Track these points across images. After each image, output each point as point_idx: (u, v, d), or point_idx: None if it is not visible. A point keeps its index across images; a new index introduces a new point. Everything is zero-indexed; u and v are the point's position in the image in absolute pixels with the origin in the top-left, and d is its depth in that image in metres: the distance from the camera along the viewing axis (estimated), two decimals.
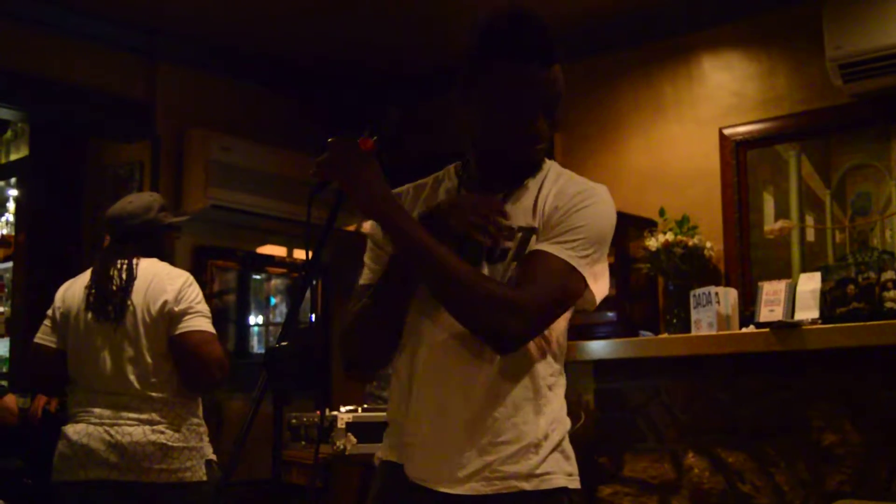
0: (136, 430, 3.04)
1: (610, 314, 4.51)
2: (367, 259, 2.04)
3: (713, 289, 4.14)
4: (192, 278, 3.26)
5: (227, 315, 5.39)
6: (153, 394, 3.10)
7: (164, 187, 5.09)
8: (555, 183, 2.00)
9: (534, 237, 1.90)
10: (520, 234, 1.90)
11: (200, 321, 3.18)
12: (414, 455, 1.89)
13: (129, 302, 3.15)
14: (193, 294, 3.22)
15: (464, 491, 1.83)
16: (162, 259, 3.35)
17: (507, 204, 1.94)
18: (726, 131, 4.54)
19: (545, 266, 1.84)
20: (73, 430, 3.09)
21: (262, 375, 1.73)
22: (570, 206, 1.93)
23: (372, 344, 1.94)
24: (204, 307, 3.22)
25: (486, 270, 1.87)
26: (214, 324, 5.07)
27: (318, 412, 3.68)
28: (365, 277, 2.02)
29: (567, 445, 2.02)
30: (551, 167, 2.06)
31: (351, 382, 5.26)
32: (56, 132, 5.47)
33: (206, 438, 3.22)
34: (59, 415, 3.73)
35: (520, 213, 1.94)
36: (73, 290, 3.28)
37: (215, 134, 5.06)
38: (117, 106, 5.03)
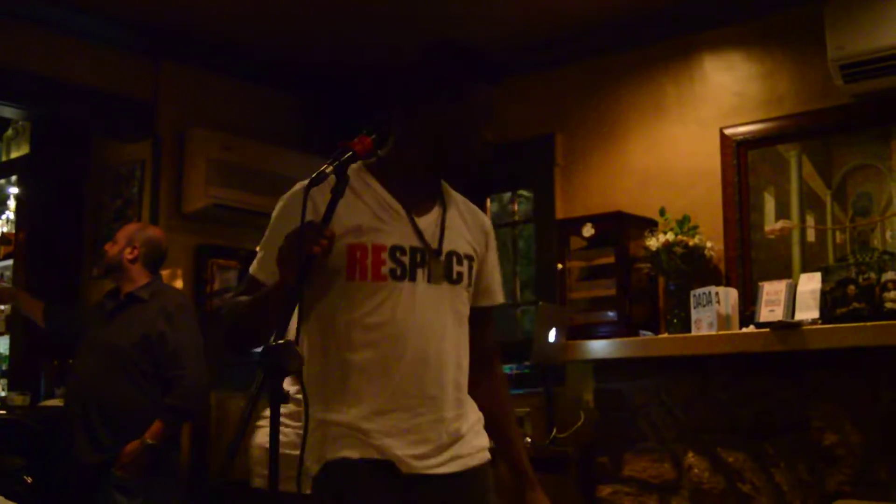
0: None
1: (610, 314, 4.51)
2: (264, 254, 2.12)
3: (713, 289, 4.14)
4: None
5: None
6: None
7: (165, 186, 5.09)
8: (462, 203, 2.31)
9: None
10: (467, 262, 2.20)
11: None
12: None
13: None
14: None
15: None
16: None
17: (420, 218, 2.15)
18: (727, 131, 4.54)
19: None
20: None
21: (259, 373, 1.73)
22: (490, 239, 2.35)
23: (261, 339, 1.95)
24: None
25: (446, 288, 2.14)
26: (216, 322, 5.09)
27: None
28: (263, 272, 2.10)
29: None
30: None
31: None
32: (57, 130, 5.47)
33: None
34: None
35: (431, 226, 2.16)
36: None
37: (217, 133, 5.06)
38: (119, 104, 5.03)
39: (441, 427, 2.10)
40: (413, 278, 2.09)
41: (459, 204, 2.28)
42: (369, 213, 2.11)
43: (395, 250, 2.08)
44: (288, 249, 1.91)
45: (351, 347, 2.06)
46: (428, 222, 2.16)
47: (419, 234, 2.12)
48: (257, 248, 2.15)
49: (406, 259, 2.09)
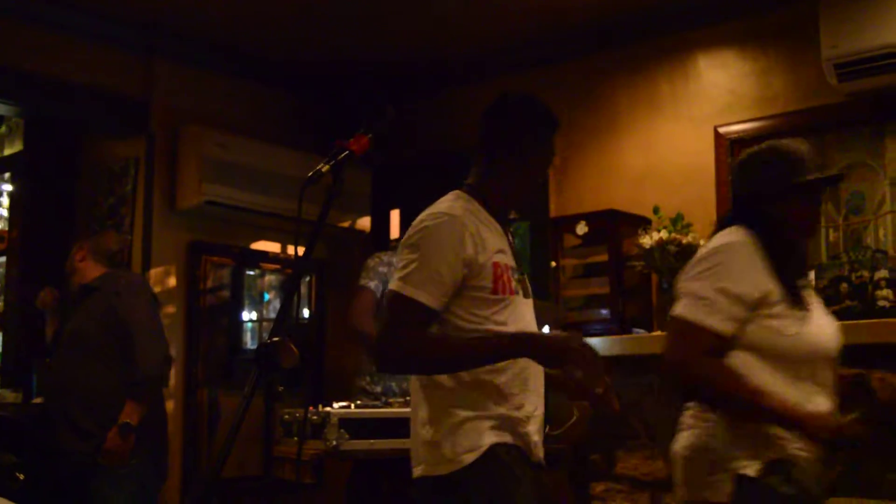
0: None
1: (603, 311, 4.52)
2: (429, 278, 2.31)
3: None
4: None
5: (221, 311, 5.39)
6: None
7: (158, 183, 5.08)
8: None
9: None
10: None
11: None
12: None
13: None
14: None
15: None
16: None
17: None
18: (721, 129, 4.54)
19: None
20: None
21: (253, 371, 1.73)
22: None
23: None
24: None
25: (529, 301, 2.53)
26: (209, 319, 5.13)
27: (309, 407, 3.66)
28: (432, 300, 2.31)
29: None
30: None
31: (346, 378, 5.26)
32: (51, 128, 5.46)
33: None
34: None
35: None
36: None
37: (210, 130, 5.05)
38: (112, 102, 5.02)
39: (541, 421, 2.48)
40: (523, 294, 2.49)
41: None
42: (497, 236, 2.44)
43: (513, 270, 2.45)
44: (587, 364, 2.24)
45: None
46: None
47: (515, 256, 2.50)
48: (405, 266, 2.33)
49: (516, 277, 2.46)
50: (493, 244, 2.41)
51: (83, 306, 4.12)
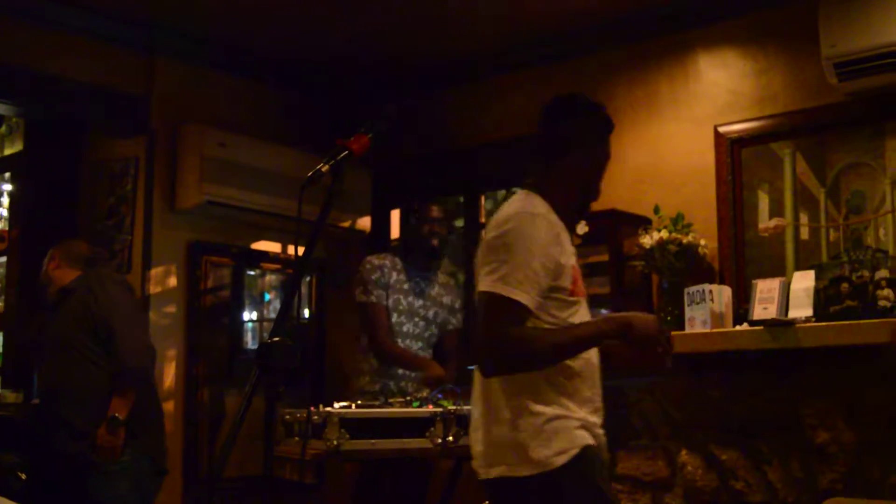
0: None
1: (603, 311, 4.50)
2: (524, 278, 2.33)
3: (707, 286, 4.14)
4: None
5: (222, 311, 5.39)
6: None
7: (158, 183, 5.08)
8: None
9: None
10: None
11: None
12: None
13: None
14: None
15: None
16: None
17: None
18: (721, 129, 4.54)
19: None
20: None
21: (253, 371, 1.73)
22: None
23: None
24: None
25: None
26: (210, 319, 5.14)
27: (310, 407, 3.66)
28: (528, 299, 2.34)
29: None
30: None
31: (343, 379, 5.27)
32: (51, 127, 5.46)
33: None
34: None
35: None
36: None
37: (210, 129, 5.05)
38: (113, 101, 5.02)
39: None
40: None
41: None
42: (568, 238, 2.51)
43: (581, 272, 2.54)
44: (649, 343, 2.42)
45: None
46: None
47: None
48: (498, 266, 2.35)
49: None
50: (569, 246, 2.49)
51: (62, 310, 4.18)
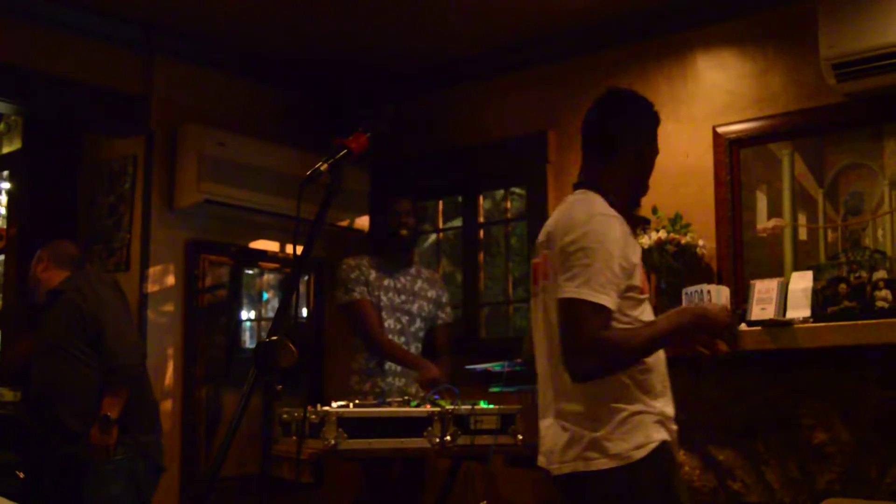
0: None
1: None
2: (606, 281, 2.38)
3: (705, 287, 4.14)
4: None
5: (220, 310, 5.39)
6: None
7: (157, 182, 5.08)
8: None
9: None
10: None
11: None
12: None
13: None
14: None
15: None
16: None
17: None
18: (720, 129, 4.54)
19: None
20: None
21: (251, 370, 1.73)
22: None
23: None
24: None
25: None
26: (208, 318, 5.13)
27: (308, 406, 3.66)
28: (611, 302, 2.39)
29: None
30: None
31: (340, 378, 5.28)
32: (50, 125, 5.45)
33: None
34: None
35: None
36: None
37: (209, 129, 5.05)
38: (112, 100, 5.02)
39: None
40: None
41: None
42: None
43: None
44: (723, 330, 2.53)
45: None
46: None
47: None
48: (581, 271, 2.39)
49: None
50: (637, 245, 2.55)
51: (51, 312, 4.18)
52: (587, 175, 2.63)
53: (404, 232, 4.55)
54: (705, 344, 2.58)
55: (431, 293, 4.65)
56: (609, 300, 2.37)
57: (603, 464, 2.40)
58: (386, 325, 4.47)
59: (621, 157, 2.62)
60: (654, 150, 2.72)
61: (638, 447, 2.42)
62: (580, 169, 2.67)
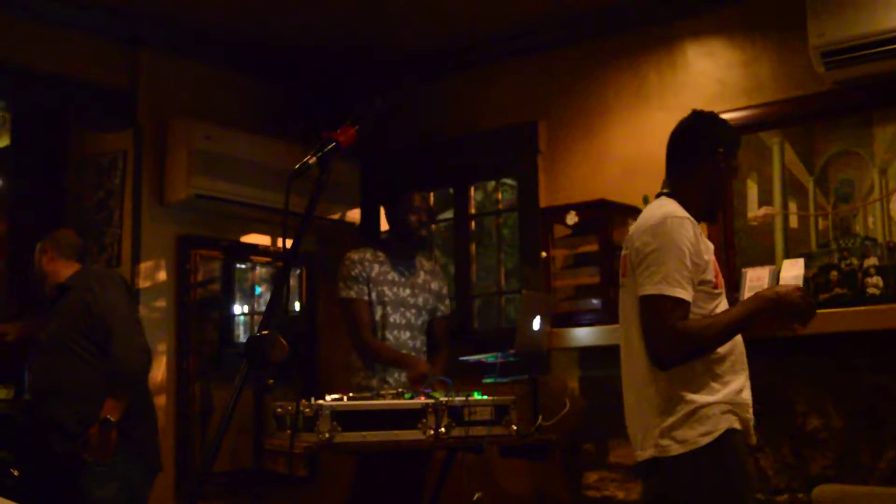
0: None
1: (594, 301, 4.52)
2: (681, 276, 2.65)
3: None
4: None
5: (212, 305, 5.38)
6: None
7: (147, 177, 5.06)
8: None
9: None
10: None
11: None
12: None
13: None
14: None
15: None
16: None
17: None
18: None
19: None
20: None
21: (243, 365, 1.73)
22: None
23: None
24: None
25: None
26: (200, 313, 5.10)
27: (302, 400, 3.66)
28: (688, 294, 2.67)
29: None
30: None
31: (338, 371, 5.27)
32: (38, 121, 5.42)
33: None
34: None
35: None
36: None
37: (198, 123, 5.03)
38: (100, 95, 4.99)
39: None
40: None
41: None
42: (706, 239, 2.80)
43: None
44: (799, 310, 2.76)
45: None
46: None
47: None
48: (658, 268, 2.68)
49: None
50: (709, 243, 2.79)
51: (59, 307, 4.13)
52: (671, 186, 2.90)
53: (424, 233, 4.53)
54: (780, 326, 2.86)
55: (434, 285, 4.64)
56: (686, 293, 2.64)
57: (675, 450, 2.65)
58: (391, 319, 4.45)
59: (700, 172, 2.88)
60: (732, 169, 2.94)
61: (704, 434, 2.64)
62: (663, 181, 2.94)
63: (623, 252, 2.88)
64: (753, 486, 2.82)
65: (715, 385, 2.69)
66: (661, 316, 2.64)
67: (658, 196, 2.91)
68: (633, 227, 2.85)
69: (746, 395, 2.77)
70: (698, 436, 2.65)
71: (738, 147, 2.99)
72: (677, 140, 2.96)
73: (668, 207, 2.77)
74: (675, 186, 2.89)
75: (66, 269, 4.18)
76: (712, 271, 2.76)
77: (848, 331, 3.77)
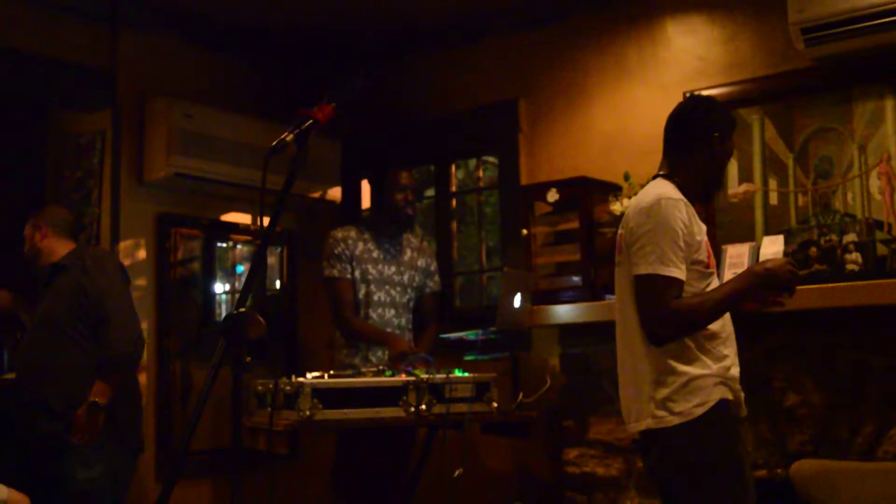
0: None
1: (575, 278, 4.53)
2: (675, 256, 2.73)
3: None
4: None
5: (193, 283, 5.36)
6: None
7: (126, 156, 5.03)
8: None
9: None
10: None
11: None
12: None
13: None
14: None
15: None
16: None
17: None
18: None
19: None
20: None
21: (220, 342, 1.72)
22: None
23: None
24: None
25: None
26: (180, 292, 5.06)
27: (282, 378, 3.65)
28: (681, 273, 2.75)
29: None
30: None
31: (325, 350, 5.28)
32: (17, 101, 5.37)
33: None
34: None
35: None
36: None
37: (177, 101, 4.99)
38: (76, 74, 4.94)
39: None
40: None
41: None
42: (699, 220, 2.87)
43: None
44: (787, 282, 2.81)
45: None
46: None
47: None
48: (652, 249, 2.75)
49: None
50: (701, 224, 2.86)
51: (53, 286, 4.09)
52: (667, 169, 2.96)
53: (410, 211, 4.51)
54: (770, 300, 2.85)
55: (421, 262, 4.63)
56: (679, 272, 2.73)
57: (670, 420, 2.74)
58: (375, 297, 4.45)
59: (695, 154, 2.94)
60: (726, 151, 2.99)
61: (698, 405, 2.73)
62: (660, 162, 2.99)
63: (619, 231, 2.96)
64: (749, 454, 2.91)
65: (706, 359, 2.78)
66: (655, 294, 2.74)
67: (654, 177, 2.97)
68: (630, 207, 2.93)
69: (735, 371, 2.86)
70: (693, 406, 2.74)
71: (734, 130, 3.03)
72: (673, 125, 3.02)
73: (663, 189, 2.84)
74: (671, 168, 2.96)
75: (60, 248, 4.14)
76: (704, 251, 2.84)
77: (827, 307, 3.79)
